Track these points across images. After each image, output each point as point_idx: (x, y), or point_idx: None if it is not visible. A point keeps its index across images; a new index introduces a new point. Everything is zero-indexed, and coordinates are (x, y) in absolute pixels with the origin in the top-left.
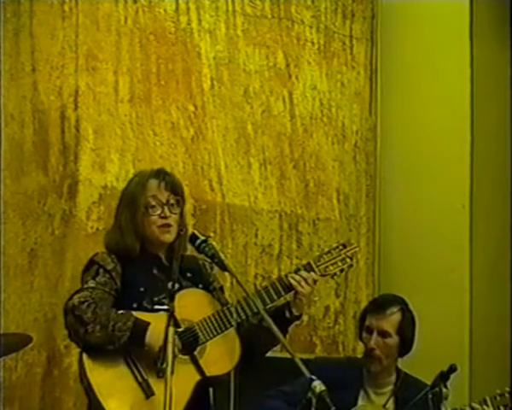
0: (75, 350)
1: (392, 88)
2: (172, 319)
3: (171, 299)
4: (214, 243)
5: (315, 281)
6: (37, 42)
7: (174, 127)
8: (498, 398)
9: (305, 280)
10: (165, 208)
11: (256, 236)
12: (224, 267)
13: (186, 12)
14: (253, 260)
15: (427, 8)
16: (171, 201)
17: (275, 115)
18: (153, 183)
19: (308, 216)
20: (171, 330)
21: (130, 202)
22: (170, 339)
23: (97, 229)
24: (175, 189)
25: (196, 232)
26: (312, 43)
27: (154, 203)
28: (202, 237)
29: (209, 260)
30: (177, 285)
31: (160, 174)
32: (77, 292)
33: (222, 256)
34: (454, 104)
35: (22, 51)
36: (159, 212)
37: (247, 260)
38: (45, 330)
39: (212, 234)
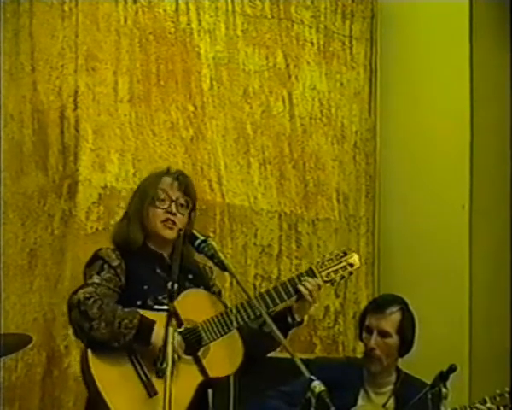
0: (75, 350)
1: (391, 88)
2: (173, 319)
3: (171, 299)
4: (214, 243)
5: (319, 287)
6: (36, 42)
7: (174, 127)
8: (498, 398)
9: (316, 288)
10: (173, 205)
11: (255, 236)
12: (223, 267)
13: (186, 12)
14: (253, 261)
15: (426, 8)
16: (181, 201)
17: (274, 115)
18: (166, 179)
19: (308, 216)
20: (171, 330)
21: (141, 193)
22: (170, 339)
23: (97, 229)
24: (187, 191)
25: (196, 232)
26: (312, 43)
27: (162, 196)
28: (202, 237)
29: (209, 265)
30: (176, 285)
31: (175, 174)
32: (81, 287)
33: (221, 256)
34: (454, 104)
35: (22, 51)
36: (165, 206)
37: (247, 260)
38: (45, 331)
39: (211, 234)
